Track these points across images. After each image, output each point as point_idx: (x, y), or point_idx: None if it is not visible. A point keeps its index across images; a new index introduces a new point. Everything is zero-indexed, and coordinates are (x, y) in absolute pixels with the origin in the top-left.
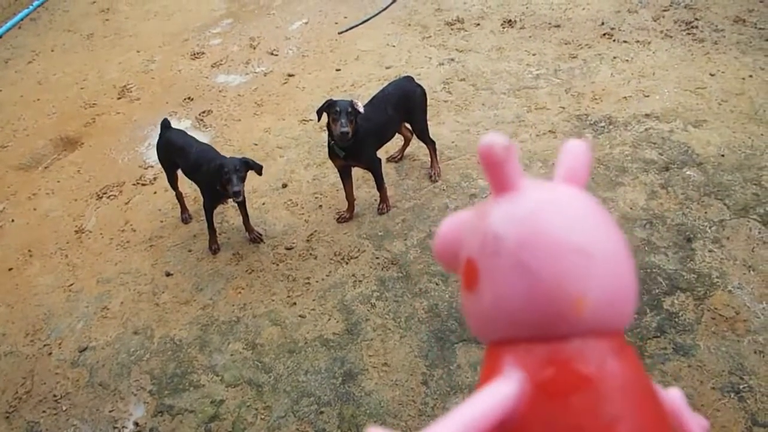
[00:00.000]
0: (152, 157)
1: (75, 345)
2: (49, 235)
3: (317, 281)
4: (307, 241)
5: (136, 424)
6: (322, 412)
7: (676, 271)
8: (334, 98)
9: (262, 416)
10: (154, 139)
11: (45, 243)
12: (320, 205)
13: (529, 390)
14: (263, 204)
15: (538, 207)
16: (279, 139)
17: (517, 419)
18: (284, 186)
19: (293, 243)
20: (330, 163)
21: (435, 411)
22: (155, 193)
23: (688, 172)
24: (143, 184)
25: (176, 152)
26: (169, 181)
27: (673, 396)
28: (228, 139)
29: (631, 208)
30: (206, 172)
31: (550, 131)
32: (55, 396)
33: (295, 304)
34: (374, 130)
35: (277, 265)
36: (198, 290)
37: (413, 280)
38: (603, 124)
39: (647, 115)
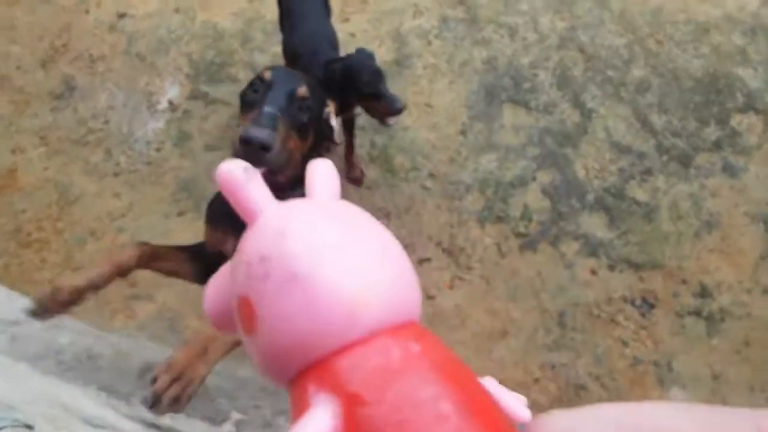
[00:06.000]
0: None
1: (114, 8)
2: None
3: (375, 2)
4: None
5: (171, 102)
6: (354, 136)
7: (758, 90)
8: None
9: None
10: None
11: None
12: None
13: (343, 408)
14: None
15: (291, 218)
16: None
17: None
18: None
19: None
20: None
21: (466, 162)
22: None
23: None
24: None
25: None
26: None
27: (487, 380)
28: None
29: (738, 10)
30: None
31: None
32: (91, 56)
33: (347, 20)
34: None
35: None
36: None
37: (478, 26)
38: None
39: None
